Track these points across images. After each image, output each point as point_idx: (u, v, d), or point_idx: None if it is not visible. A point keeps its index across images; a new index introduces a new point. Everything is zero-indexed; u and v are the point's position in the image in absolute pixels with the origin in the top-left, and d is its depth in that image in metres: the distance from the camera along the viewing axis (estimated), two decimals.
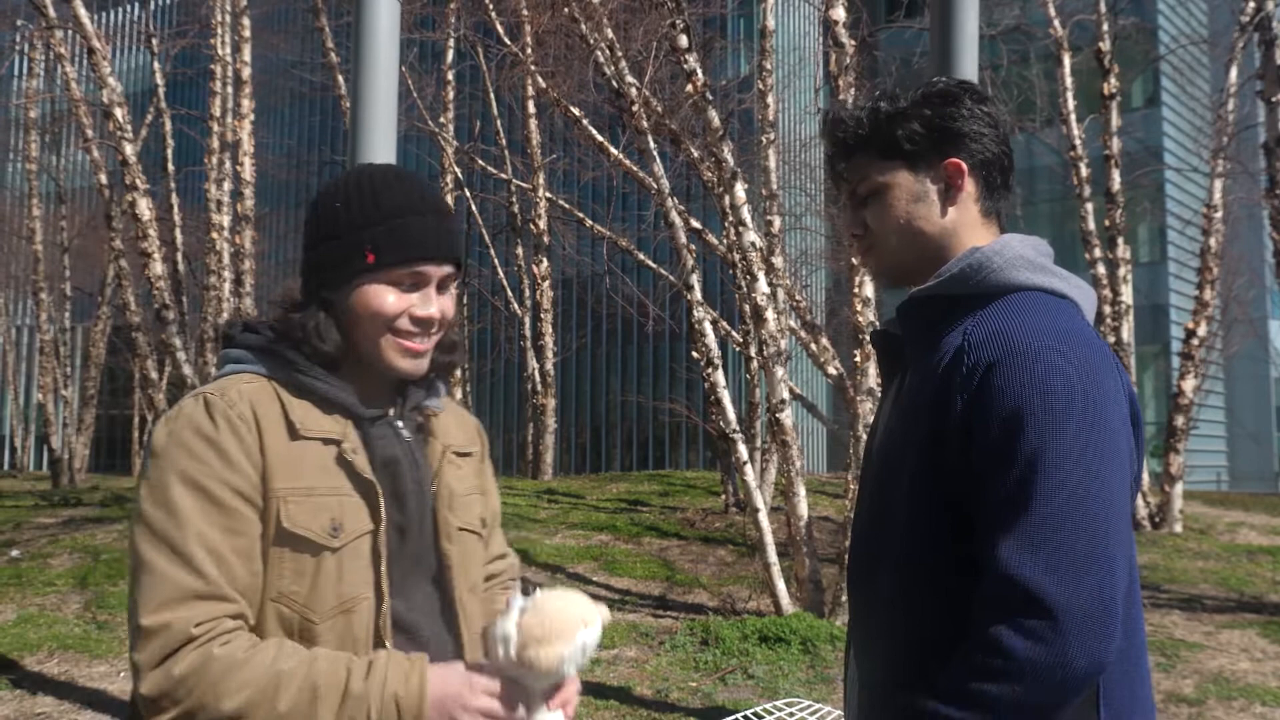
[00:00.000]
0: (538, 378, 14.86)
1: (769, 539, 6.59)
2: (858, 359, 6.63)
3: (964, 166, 1.41)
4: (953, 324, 1.36)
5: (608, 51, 7.68)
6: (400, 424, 1.46)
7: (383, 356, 1.40)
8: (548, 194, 14.13)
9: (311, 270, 1.42)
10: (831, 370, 9.16)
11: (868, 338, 6.57)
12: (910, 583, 1.32)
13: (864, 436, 6.48)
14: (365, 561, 1.34)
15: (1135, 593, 1.34)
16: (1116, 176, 10.49)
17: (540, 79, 11.05)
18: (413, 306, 1.40)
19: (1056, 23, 10.88)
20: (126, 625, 1.28)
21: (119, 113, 9.17)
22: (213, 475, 1.28)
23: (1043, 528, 1.18)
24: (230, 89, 12.40)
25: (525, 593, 1.35)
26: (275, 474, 1.31)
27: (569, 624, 1.31)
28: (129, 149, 9.22)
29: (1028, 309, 1.31)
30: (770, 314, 6.81)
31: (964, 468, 1.27)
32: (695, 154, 8.37)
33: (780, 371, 6.69)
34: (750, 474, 6.94)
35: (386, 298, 1.38)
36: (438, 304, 1.42)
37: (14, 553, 8.43)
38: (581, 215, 13.12)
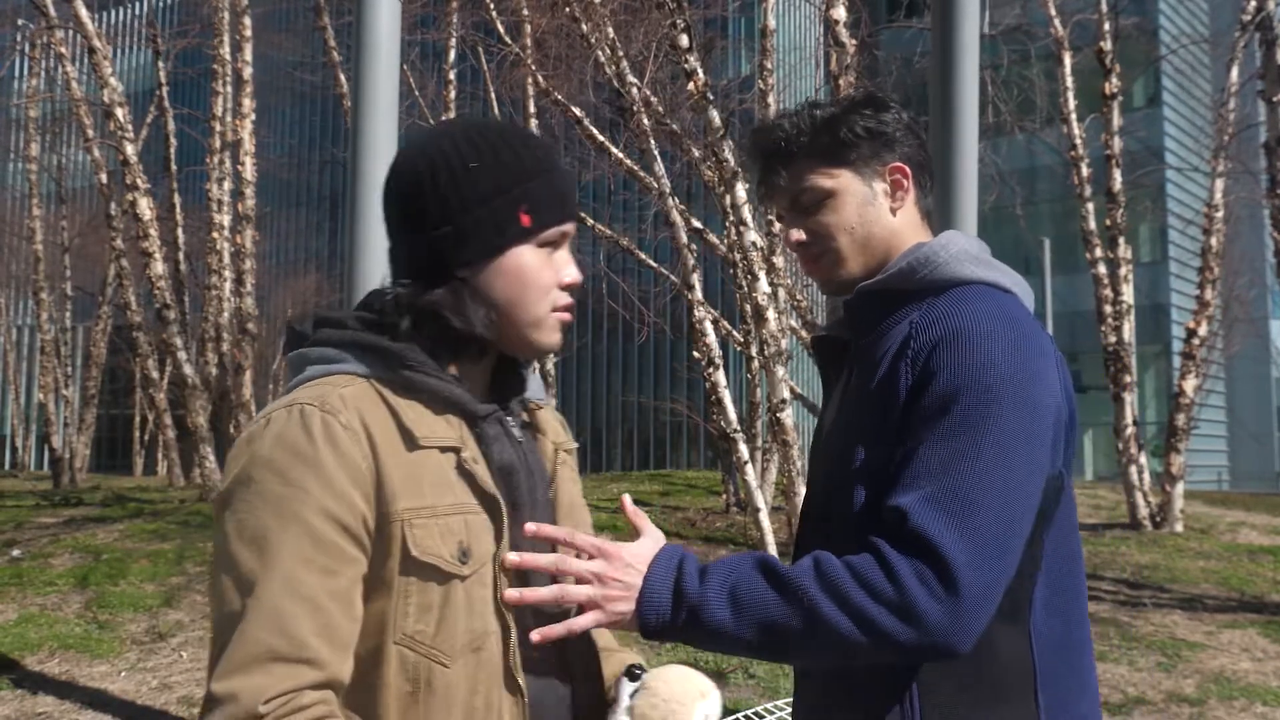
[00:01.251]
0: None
1: (770, 539, 6.59)
2: None
3: (908, 170, 1.44)
4: (899, 317, 1.38)
5: (608, 51, 7.68)
6: (511, 421, 1.27)
7: (537, 335, 1.22)
8: None
9: (438, 247, 1.18)
10: None
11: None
12: None
13: None
14: (489, 589, 1.16)
15: (1078, 582, 1.36)
16: (1117, 176, 10.49)
17: (541, 79, 11.06)
18: (563, 272, 1.23)
19: (1057, 22, 10.88)
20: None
21: (120, 112, 9.18)
22: (312, 504, 1.06)
23: (958, 499, 1.19)
24: (231, 89, 12.41)
25: (632, 677, 1.25)
26: (396, 494, 1.11)
27: (686, 700, 1.23)
28: (130, 149, 9.23)
29: (973, 299, 1.33)
30: (771, 313, 6.81)
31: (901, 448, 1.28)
32: (696, 154, 8.37)
33: (781, 371, 6.69)
34: (751, 474, 6.94)
35: (544, 264, 1.21)
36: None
37: (15, 552, 8.43)
38: (583, 214, 13.12)
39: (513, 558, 1.17)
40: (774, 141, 1.45)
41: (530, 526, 1.19)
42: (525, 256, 1.20)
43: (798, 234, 1.46)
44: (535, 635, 1.16)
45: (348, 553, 1.08)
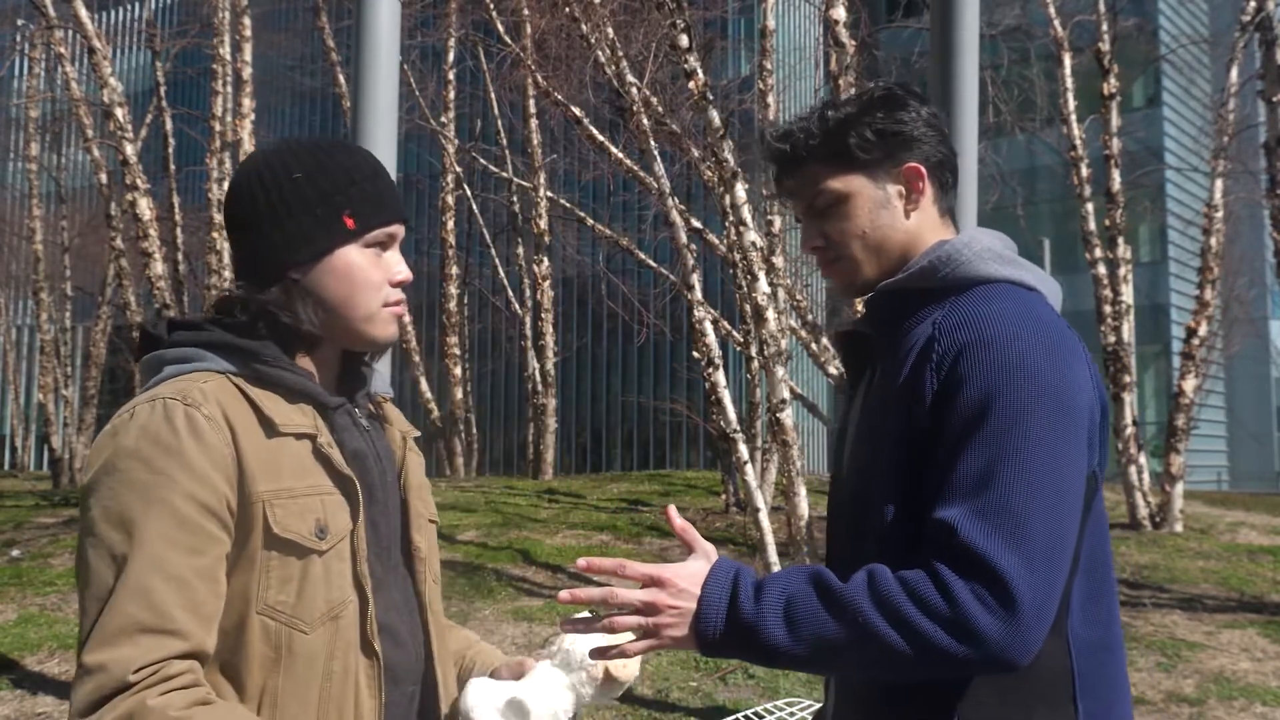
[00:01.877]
0: (538, 377, 14.87)
1: (770, 539, 6.59)
2: None
3: (923, 170, 1.41)
4: (921, 316, 1.36)
5: (608, 51, 7.68)
6: (357, 412, 1.38)
7: (371, 329, 1.33)
8: (548, 193, 14.14)
9: (269, 251, 1.30)
10: (832, 370, 9.16)
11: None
12: None
13: None
14: (347, 563, 1.26)
15: (1110, 583, 1.35)
16: (1117, 176, 10.48)
17: (541, 79, 11.05)
18: (393, 270, 1.34)
19: (1056, 23, 10.87)
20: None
21: (119, 112, 9.18)
22: (175, 489, 1.15)
23: (1007, 513, 1.17)
24: (231, 88, 12.40)
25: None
26: (256, 477, 1.20)
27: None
28: (129, 149, 9.22)
29: (997, 298, 1.31)
30: (771, 313, 6.81)
31: (935, 456, 1.26)
32: (696, 154, 8.37)
33: (781, 371, 6.69)
34: (751, 474, 6.94)
35: (372, 264, 1.32)
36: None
37: (14, 552, 8.43)
38: (582, 215, 13.13)
39: (564, 595, 1.24)
40: (786, 146, 1.43)
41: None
42: (352, 256, 1.30)
43: (813, 241, 1.44)
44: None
45: (212, 533, 1.17)
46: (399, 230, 1.35)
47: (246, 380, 1.26)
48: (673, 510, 1.31)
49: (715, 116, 6.84)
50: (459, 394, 15.14)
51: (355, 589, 1.26)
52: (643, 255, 11.51)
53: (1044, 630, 1.17)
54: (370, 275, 1.31)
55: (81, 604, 1.15)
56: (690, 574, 1.24)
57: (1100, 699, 1.29)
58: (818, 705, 4.27)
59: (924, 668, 1.18)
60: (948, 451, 1.23)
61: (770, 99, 9.25)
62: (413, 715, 1.35)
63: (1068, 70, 10.73)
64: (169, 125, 14.64)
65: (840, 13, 6.70)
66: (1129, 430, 10.21)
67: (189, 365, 1.26)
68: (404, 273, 1.35)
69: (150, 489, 1.15)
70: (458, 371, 15.09)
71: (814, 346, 9.34)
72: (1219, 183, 10.62)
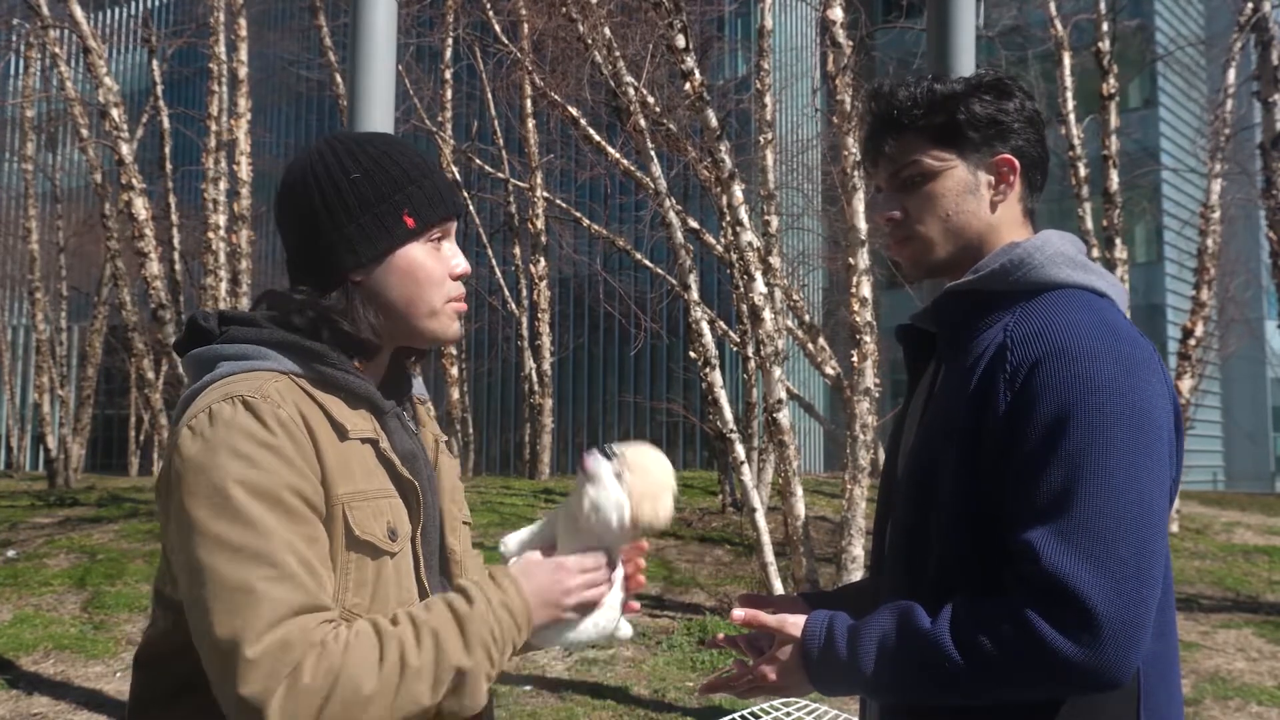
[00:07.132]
0: (535, 377, 14.86)
1: (766, 539, 6.59)
2: (855, 359, 6.63)
3: (1016, 163, 1.37)
4: (991, 320, 1.33)
5: (605, 52, 7.68)
6: (404, 415, 1.37)
7: (435, 325, 1.31)
8: (545, 193, 14.13)
9: (329, 254, 1.27)
10: (829, 370, 9.19)
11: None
12: (953, 581, 1.28)
13: (860, 436, 6.48)
14: (409, 565, 1.27)
15: (1170, 594, 1.32)
16: (1114, 177, 10.49)
17: (538, 79, 11.04)
18: (451, 264, 1.32)
19: (1057, 23, 10.89)
20: (211, 651, 1.11)
21: (115, 112, 9.16)
22: (281, 482, 1.14)
23: (1090, 532, 1.16)
24: (227, 88, 12.37)
25: (607, 454, 1.31)
26: (335, 479, 1.19)
27: (666, 473, 1.34)
28: (125, 148, 9.20)
29: (1071, 307, 1.28)
30: (767, 314, 6.81)
31: (1004, 467, 1.24)
32: (693, 154, 8.37)
33: (777, 371, 6.69)
34: (747, 474, 6.94)
35: (433, 258, 1.30)
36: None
37: (10, 553, 8.41)
38: (579, 215, 13.12)
39: (738, 615, 1.40)
40: (888, 109, 1.39)
41: (738, 613, 1.39)
42: (414, 253, 1.29)
43: (891, 211, 1.40)
44: (739, 614, 1.39)
45: (317, 525, 1.17)
46: (453, 224, 1.33)
47: (309, 382, 1.24)
48: (736, 612, 1.38)
49: (712, 117, 6.83)
50: (455, 394, 15.13)
51: (419, 590, 1.28)
52: (639, 255, 11.50)
53: (1137, 647, 1.15)
54: (433, 271, 1.30)
55: (217, 601, 1.10)
56: (787, 665, 1.35)
57: (1159, 708, 1.28)
58: (815, 705, 4.27)
59: (1023, 696, 1.22)
60: (1024, 468, 1.21)
61: (767, 99, 9.26)
62: None
63: (1066, 70, 10.74)
64: (165, 125, 14.62)
65: (837, 13, 6.70)
66: None
67: (249, 363, 1.23)
68: (463, 265, 1.32)
69: (258, 482, 1.13)
70: (454, 371, 15.07)
71: (810, 347, 9.34)
72: (1215, 183, 10.63)
